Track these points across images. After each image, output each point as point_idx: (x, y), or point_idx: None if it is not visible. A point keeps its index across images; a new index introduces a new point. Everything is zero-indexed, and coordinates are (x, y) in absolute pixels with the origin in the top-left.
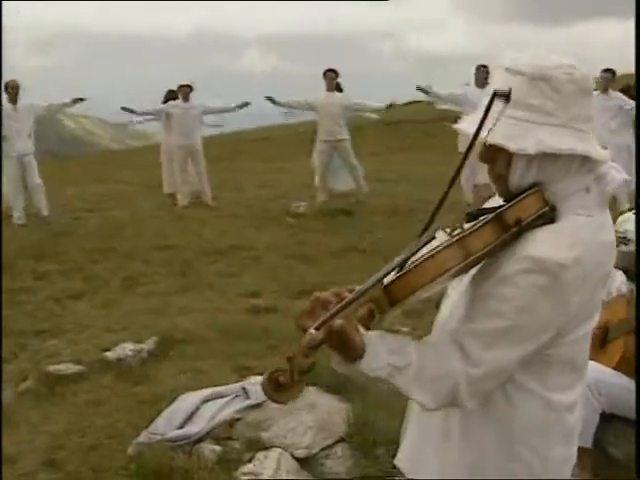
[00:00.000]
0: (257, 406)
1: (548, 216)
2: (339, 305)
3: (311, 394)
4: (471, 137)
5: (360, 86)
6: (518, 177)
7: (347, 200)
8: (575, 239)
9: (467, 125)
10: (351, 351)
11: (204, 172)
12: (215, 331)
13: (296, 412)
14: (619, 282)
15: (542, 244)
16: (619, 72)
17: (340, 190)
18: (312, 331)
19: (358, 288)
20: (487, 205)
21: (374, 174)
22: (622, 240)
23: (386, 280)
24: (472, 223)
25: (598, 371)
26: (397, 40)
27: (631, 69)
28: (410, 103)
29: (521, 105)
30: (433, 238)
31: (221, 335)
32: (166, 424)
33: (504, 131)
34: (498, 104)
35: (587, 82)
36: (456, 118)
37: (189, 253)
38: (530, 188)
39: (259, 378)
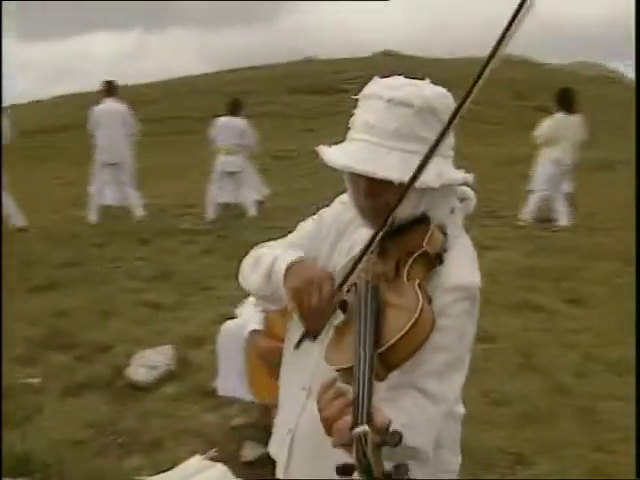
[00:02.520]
0: None
1: (445, 244)
2: (365, 395)
3: None
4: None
5: None
6: (411, 209)
7: None
8: (472, 259)
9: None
10: None
11: None
12: None
13: None
14: None
15: (460, 272)
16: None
17: None
18: (365, 428)
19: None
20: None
21: None
22: None
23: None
24: (379, 260)
25: None
26: None
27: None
28: None
29: (412, 138)
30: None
31: None
32: None
33: (402, 166)
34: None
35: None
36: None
37: None
38: (418, 218)
39: None
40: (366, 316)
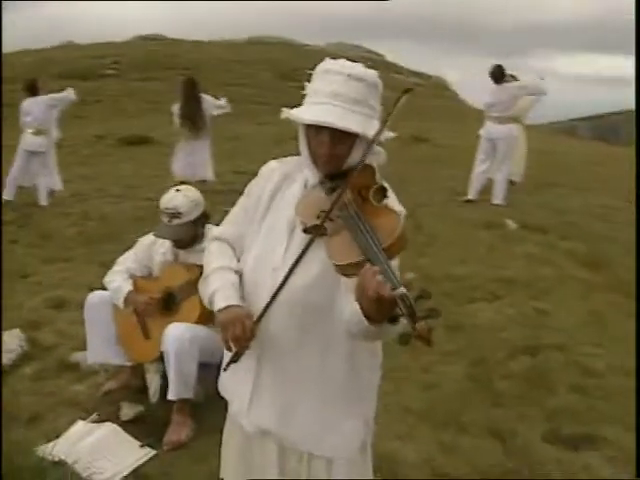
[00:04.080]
0: None
1: None
2: (389, 269)
3: None
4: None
5: None
6: (356, 157)
7: None
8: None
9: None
10: None
11: None
12: None
13: None
14: (165, 250)
15: (395, 202)
16: None
17: None
18: (403, 290)
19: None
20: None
21: None
22: (175, 215)
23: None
24: (341, 189)
25: (191, 328)
26: None
27: None
28: None
29: (366, 105)
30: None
31: None
32: None
33: (362, 123)
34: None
35: None
36: None
37: None
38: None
39: None
40: (364, 227)
